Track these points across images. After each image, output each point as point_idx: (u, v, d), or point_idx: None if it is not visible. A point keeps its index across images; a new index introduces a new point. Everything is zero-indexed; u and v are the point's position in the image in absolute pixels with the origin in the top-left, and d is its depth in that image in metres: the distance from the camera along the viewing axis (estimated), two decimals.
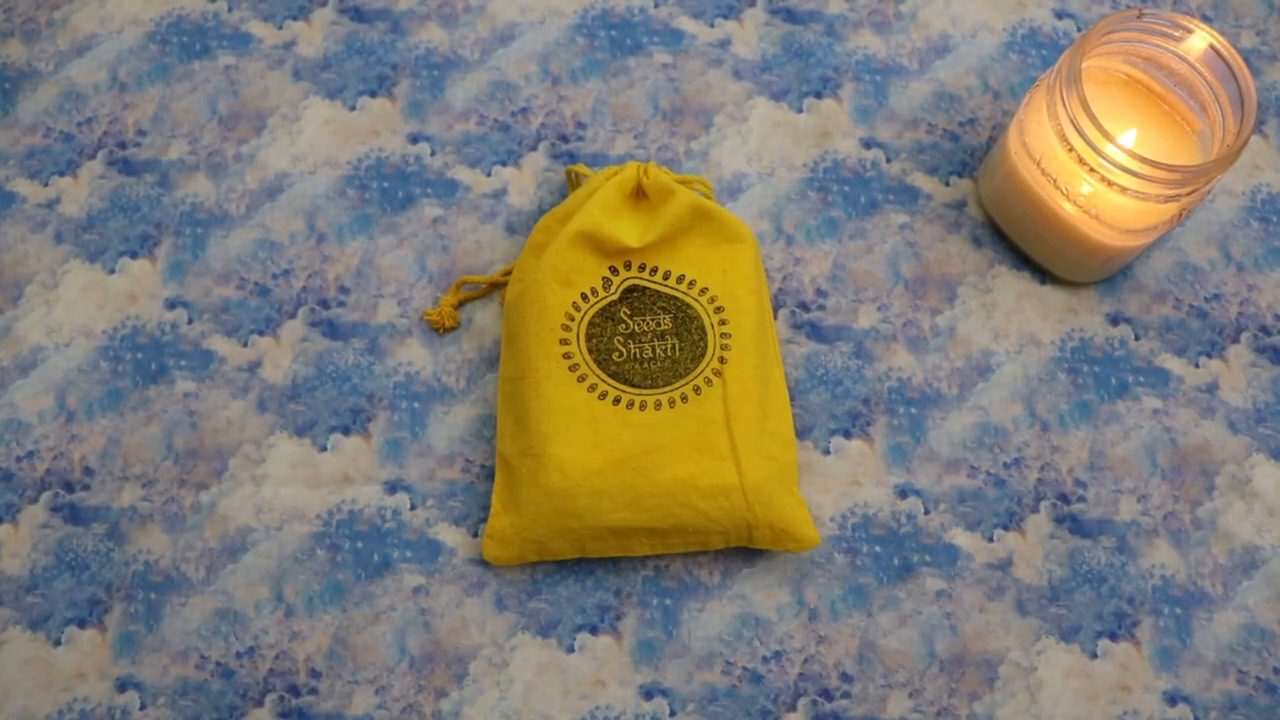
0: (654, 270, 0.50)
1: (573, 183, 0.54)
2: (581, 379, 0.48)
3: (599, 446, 0.47)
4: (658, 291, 0.50)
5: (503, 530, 0.48)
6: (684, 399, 0.48)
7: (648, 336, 0.49)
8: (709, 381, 0.48)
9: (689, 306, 0.50)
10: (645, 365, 0.49)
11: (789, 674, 0.48)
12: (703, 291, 0.50)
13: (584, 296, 0.50)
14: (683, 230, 0.50)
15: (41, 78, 0.59)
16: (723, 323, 0.49)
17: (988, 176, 0.56)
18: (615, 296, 0.50)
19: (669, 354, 0.49)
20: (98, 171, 0.57)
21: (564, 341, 0.49)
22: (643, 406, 0.48)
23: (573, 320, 0.49)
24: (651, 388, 0.48)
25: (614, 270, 0.50)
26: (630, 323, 0.49)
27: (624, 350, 0.49)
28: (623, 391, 0.48)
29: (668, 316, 0.50)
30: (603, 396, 0.48)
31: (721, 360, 0.49)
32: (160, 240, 0.55)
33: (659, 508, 0.47)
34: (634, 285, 0.50)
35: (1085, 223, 0.50)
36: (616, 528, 0.47)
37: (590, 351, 0.49)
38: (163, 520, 0.50)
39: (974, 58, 0.60)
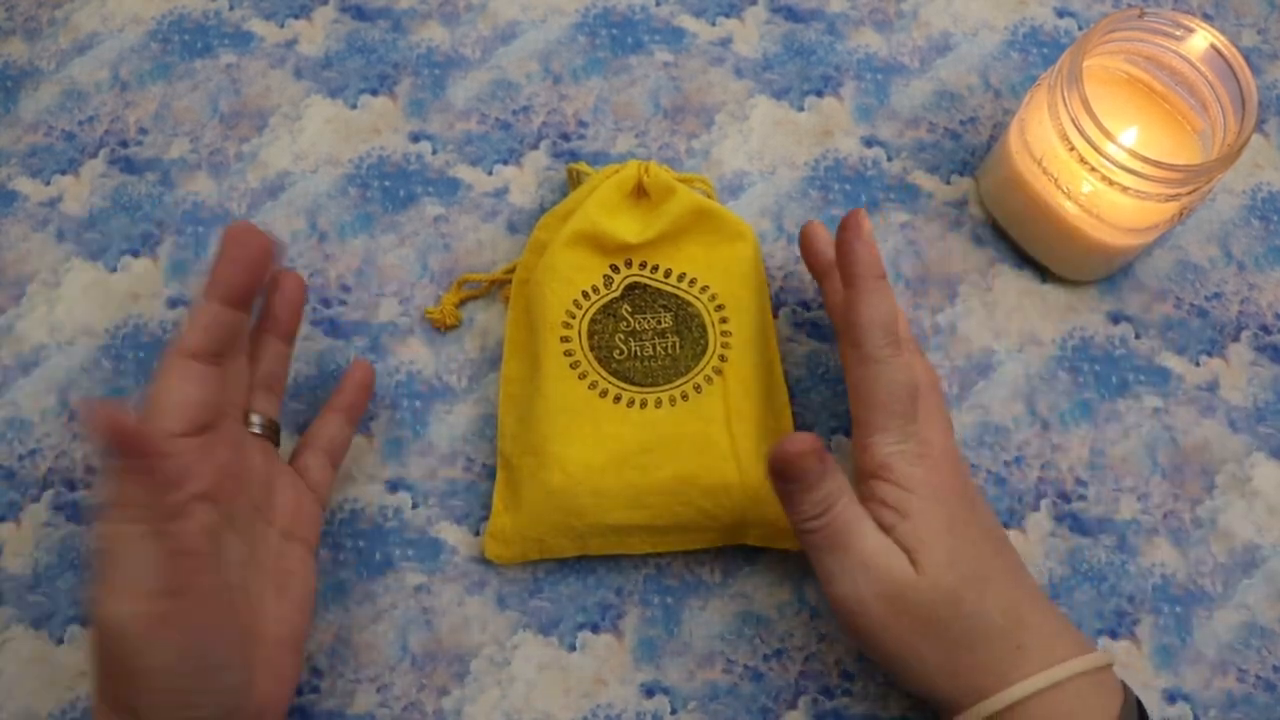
0: (654, 268, 0.50)
1: (574, 181, 0.54)
2: (583, 376, 0.48)
3: (600, 445, 0.47)
4: (659, 289, 0.50)
5: (504, 529, 0.48)
6: (685, 397, 0.48)
7: (649, 334, 0.49)
8: (710, 379, 0.49)
9: (690, 305, 0.50)
10: (646, 363, 0.49)
11: (790, 672, 0.48)
12: (703, 290, 0.50)
13: (585, 294, 0.50)
14: (684, 229, 0.50)
15: (43, 76, 0.59)
16: (723, 321, 0.49)
17: (989, 175, 0.56)
18: (617, 294, 0.50)
19: (670, 352, 0.49)
20: (99, 170, 0.57)
21: (565, 339, 0.49)
22: (644, 405, 0.48)
23: (574, 318, 0.49)
24: (653, 386, 0.48)
25: (614, 268, 0.50)
26: (631, 320, 0.49)
27: (625, 348, 0.49)
28: (624, 389, 0.48)
29: (668, 315, 0.50)
30: (604, 394, 0.48)
31: (722, 358, 0.49)
32: (162, 239, 0.55)
33: (660, 505, 0.47)
34: (635, 283, 0.50)
35: (1086, 222, 0.50)
36: (617, 525, 0.47)
37: (592, 349, 0.49)
38: None
39: (975, 56, 0.60)
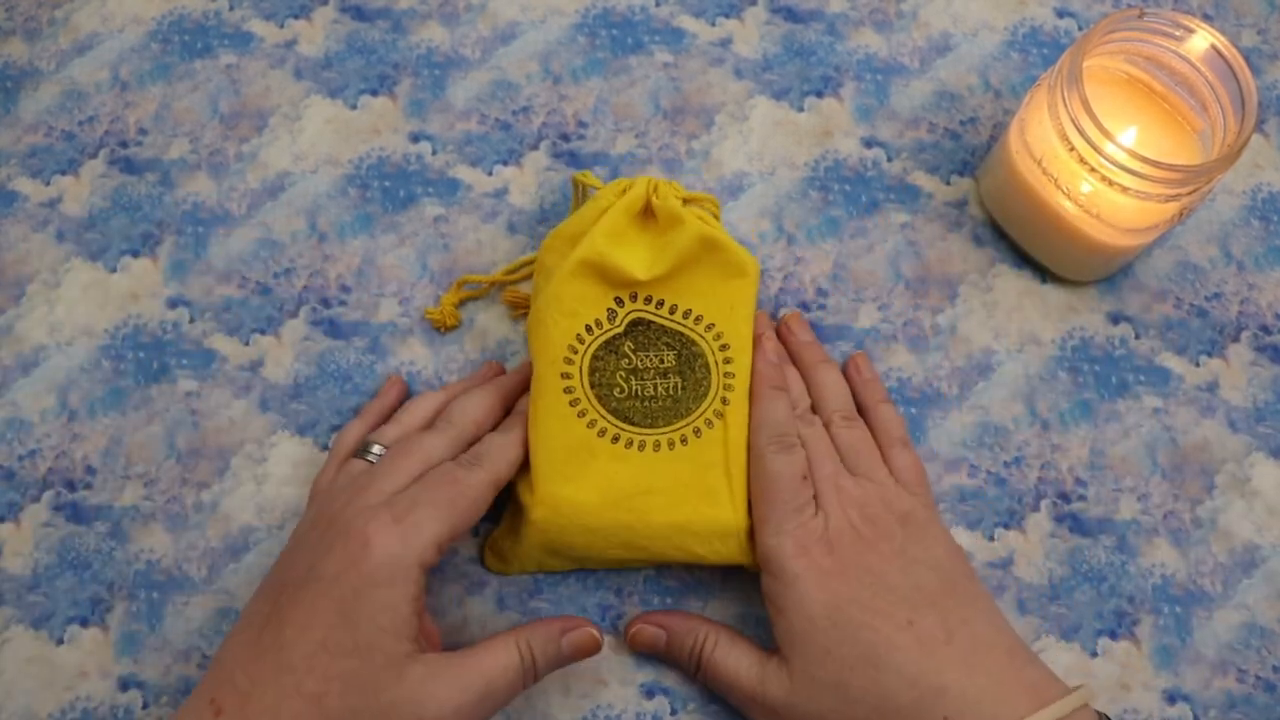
0: (660, 304, 0.49)
1: (578, 192, 0.53)
2: (581, 414, 0.47)
3: (594, 484, 0.46)
4: (663, 326, 0.48)
5: (501, 547, 0.48)
6: (684, 441, 0.47)
7: (650, 373, 0.48)
8: (710, 424, 0.47)
9: (694, 343, 0.48)
10: (646, 404, 0.47)
11: None
12: (709, 327, 0.48)
13: (588, 329, 0.48)
14: (691, 261, 0.48)
15: (43, 76, 0.59)
16: (727, 360, 0.48)
17: (989, 175, 0.56)
18: (620, 329, 0.48)
19: (671, 393, 0.48)
20: (99, 170, 0.57)
21: (565, 375, 0.47)
22: (641, 446, 0.47)
23: (575, 353, 0.47)
24: (651, 427, 0.47)
25: (619, 301, 0.48)
26: (634, 358, 0.48)
27: (626, 386, 0.48)
28: (622, 430, 0.47)
29: (671, 353, 0.48)
30: (601, 434, 0.47)
31: (724, 401, 0.47)
32: (162, 239, 0.55)
33: (653, 548, 0.46)
34: (639, 319, 0.48)
35: (1086, 222, 0.50)
36: (612, 560, 0.47)
37: (592, 386, 0.47)
38: (165, 519, 0.50)
39: (975, 57, 0.60)
